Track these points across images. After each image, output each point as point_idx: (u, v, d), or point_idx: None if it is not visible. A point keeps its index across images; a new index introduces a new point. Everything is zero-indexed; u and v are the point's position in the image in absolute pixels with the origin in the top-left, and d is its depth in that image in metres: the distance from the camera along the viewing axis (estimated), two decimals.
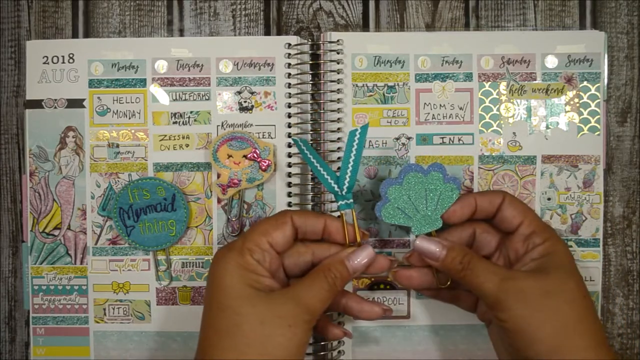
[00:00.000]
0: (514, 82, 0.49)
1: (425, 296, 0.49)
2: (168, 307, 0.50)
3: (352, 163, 0.43)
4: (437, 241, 0.42)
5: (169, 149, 0.49)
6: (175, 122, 0.49)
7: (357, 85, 0.49)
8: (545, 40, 0.49)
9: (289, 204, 0.49)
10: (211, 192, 0.49)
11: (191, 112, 0.49)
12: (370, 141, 0.49)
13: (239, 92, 0.49)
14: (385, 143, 0.49)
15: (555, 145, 0.49)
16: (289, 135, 0.49)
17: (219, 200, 0.49)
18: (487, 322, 0.45)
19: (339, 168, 0.47)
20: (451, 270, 0.41)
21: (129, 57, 0.49)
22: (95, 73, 0.49)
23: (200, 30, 0.51)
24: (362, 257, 0.41)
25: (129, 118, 0.49)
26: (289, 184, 0.49)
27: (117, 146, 0.49)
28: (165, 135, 0.49)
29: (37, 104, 0.49)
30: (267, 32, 0.51)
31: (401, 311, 0.49)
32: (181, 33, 0.51)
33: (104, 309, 0.50)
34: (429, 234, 0.43)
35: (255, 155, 0.48)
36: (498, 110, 0.49)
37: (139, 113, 0.49)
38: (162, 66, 0.49)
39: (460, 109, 0.49)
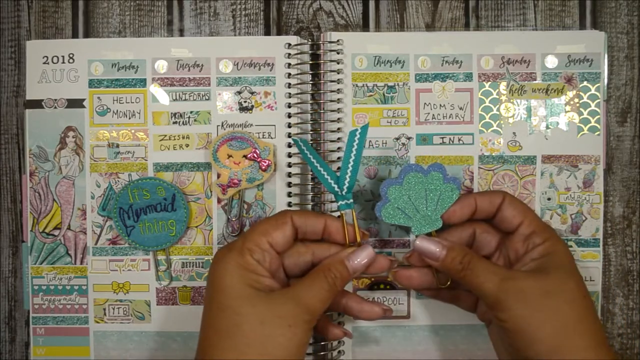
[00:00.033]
0: (514, 82, 0.49)
1: (425, 296, 0.49)
2: (168, 307, 0.50)
3: (352, 163, 0.43)
4: (437, 241, 0.42)
5: (169, 149, 0.49)
6: (175, 122, 0.49)
7: (357, 85, 0.49)
8: (545, 40, 0.49)
9: (289, 204, 0.49)
10: (211, 192, 0.49)
11: (191, 112, 0.49)
12: (370, 141, 0.49)
13: (239, 92, 0.49)
14: (385, 143, 0.49)
15: (555, 145, 0.49)
16: (289, 135, 0.49)
17: (219, 200, 0.49)
18: (487, 322, 0.45)
19: (339, 168, 0.47)
20: (451, 270, 0.41)
21: (129, 57, 0.49)
22: (95, 73, 0.49)
23: (200, 30, 0.51)
24: (362, 257, 0.41)
25: (129, 118, 0.49)
26: (289, 184, 0.49)
27: (117, 146, 0.49)
28: (165, 135, 0.49)
29: (37, 104, 0.49)
30: (267, 32, 0.51)
31: (401, 311, 0.49)
32: (181, 33, 0.51)
33: (104, 309, 0.50)
34: (429, 234, 0.43)
35: (255, 155, 0.48)
36: (498, 110, 0.49)
37: (139, 113, 0.49)
38: (162, 66, 0.49)
39: (460, 109, 0.49)
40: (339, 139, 0.49)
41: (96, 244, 0.49)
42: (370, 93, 0.49)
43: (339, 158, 0.48)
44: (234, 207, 0.49)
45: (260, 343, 0.37)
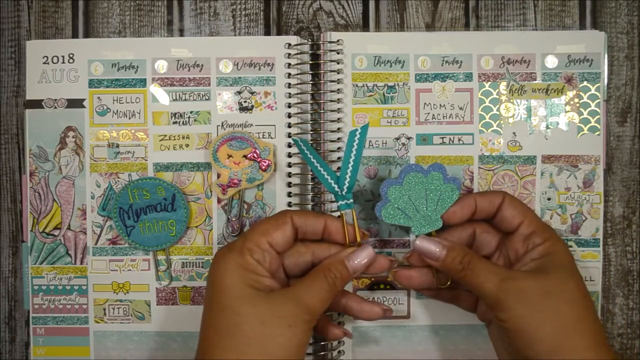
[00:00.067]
0: (514, 82, 0.49)
1: (425, 296, 0.49)
2: (168, 307, 0.50)
3: (352, 163, 0.43)
4: (437, 241, 0.42)
5: (169, 149, 0.49)
6: (175, 122, 0.49)
7: (357, 85, 0.49)
8: (545, 40, 0.49)
9: (289, 204, 0.49)
10: (211, 192, 0.49)
11: (191, 112, 0.49)
12: (370, 141, 0.49)
13: (239, 92, 0.49)
14: (385, 143, 0.49)
15: (555, 145, 0.49)
16: (289, 135, 0.49)
17: (219, 200, 0.49)
18: (487, 322, 0.45)
19: (339, 168, 0.47)
20: (451, 270, 0.41)
21: (129, 57, 0.49)
22: (95, 73, 0.49)
23: (200, 30, 0.51)
24: (362, 257, 0.41)
25: (129, 118, 0.49)
26: (289, 184, 0.49)
27: (117, 146, 0.49)
28: (165, 135, 0.49)
29: (37, 104, 0.49)
30: (267, 32, 0.51)
31: (401, 311, 0.49)
32: (181, 33, 0.51)
33: (104, 309, 0.50)
34: (429, 234, 0.43)
35: (255, 155, 0.48)
36: (498, 110, 0.49)
37: (139, 113, 0.49)
38: (162, 66, 0.49)
39: (460, 109, 0.49)
40: (339, 139, 0.49)
41: (96, 244, 0.49)
42: (370, 93, 0.49)
43: (339, 158, 0.48)
44: (234, 207, 0.49)
45: (261, 343, 0.37)
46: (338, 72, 0.49)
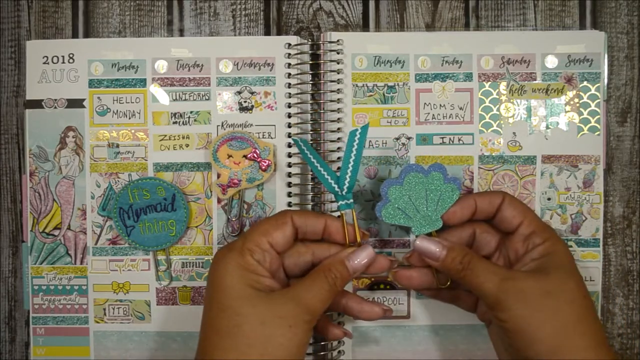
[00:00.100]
0: (514, 82, 0.49)
1: (425, 296, 0.49)
2: (168, 307, 0.50)
3: (352, 163, 0.43)
4: (437, 241, 0.42)
5: (169, 149, 0.49)
6: (175, 122, 0.49)
7: (357, 85, 0.49)
8: (545, 40, 0.49)
9: (289, 204, 0.49)
10: (211, 192, 0.49)
11: (191, 112, 0.49)
12: (370, 141, 0.49)
13: (239, 92, 0.49)
14: (385, 143, 0.49)
15: (555, 145, 0.49)
16: (289, 135, 0.49)
17: (219, 200, 0.49)
18: (487, 322, 0.45)
19: (339, 168, 0.47)
20: (451, 270, 0.41)
21: (129, 57, 0.49)
22: (95, 73, 0.49)
23: (200, 30, 0.51)
24: (362, 257, 0.41)
25: (129, 118, 0.49)
26: (289, 184, 0.49)
27: (117, 146, 0.49)
28: (165, 135, 0.49)
29: (37, 104, 0.49)
30: (267, 32, 0.51)
31: (401, 311, 0.49)
32: (181, 33, 0.51)
33: (104, 309, 0.50)
34: (429, 234, 0.43)
35: (255, 155, 0.48)
36: (498, 110, 0.49)
37: (139, 113, 0.49)
38: (162, 66, 0.49)
39: (460, 109, 0.49)
40: (339, 139, 0.49)
41: (96, 244, 0.49)
42: (370, 93, 0.49)
43: (339, 158, 0.48)
44: (234, 207, 0.49)
45: (261, 343, 0.37)
46: (338, 72, 0.49)
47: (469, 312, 0.46)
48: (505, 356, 0.42)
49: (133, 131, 0.49)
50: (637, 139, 0.51)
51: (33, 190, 0.49)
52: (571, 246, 0.49)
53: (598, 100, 0.49)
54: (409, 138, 0.49)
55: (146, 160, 0.49)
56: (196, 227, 0.49)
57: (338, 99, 0.49)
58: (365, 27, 0.51)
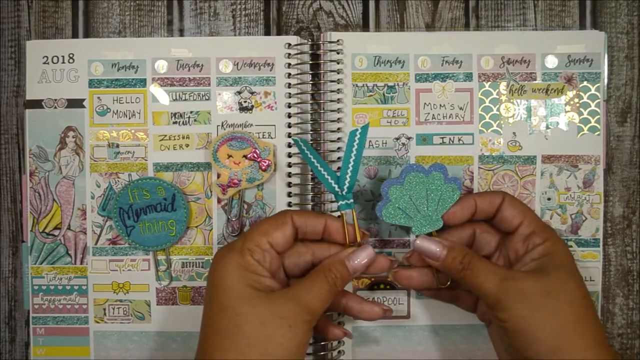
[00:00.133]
0: (514, 82, 0.49)
1: (425, 296, 0.49)
2: (168, 307, 0.50)
3: (352, 163, 0.43)
4: (438, 241, 0.42)
5: (169, 149, 0.49)
6: (175, 122, 0.49)
7: (357, 85, 0.49)
8: (545, 40, 0.49)
9: (289, 204, 0.49)
10: (211, 192, 0.49)
11: (191, 112, 0.49)
12: (370, 141, 0.49)
13: (239, 92, 0.49)
14: (385, 143, 0.49)
15: (555, 145, 0.49)
16: (289, 135, 0.49)
17: (219, 200, 0.49)
18: (487, 322, 0.45)
19: (339, 168, 0.47)
20: (451, 270, 0.41)
21: (129, 57, 0.49)
22: (95, 73, 0.49)
23: (200, 30, 0.51)
24: (362, 257, 0.41)
25: (129, 118, 0.49)
26: (289, 184, 0.49)
27: (117, 146, 0.49)
28: (165, 135, 0.49)
29: (37, 104, 0.49)
30: (267, 32, 0.51)
31: (401, 311, 0.49)
32: (181, 33, 0.51)
33: (104, 309, 0.50)
34: (429, 234, 0.43)
35: (255, 155, 0.48)
36: (498, 110, 0.49)
37: (139, 113, 0.49)
38: (162, 66, 0.49)
39: (460, 109, 0.49)
40: (339, 139, 0.49)
41: (96, 244, 0.49)
42: (370, 93, 0.49)
43: (339, 158, 0.48)
44: (234, 207, 0.49)
45: (261, 343, 0.37)
46: (338, 72, 0.49)
47: (469, 312, 0.46)
48: (505, 356, 0.42)
49: (133, 131, 0.49)
50: (637, 139, 0.51)
51: (33, 190, 0.49)
52: (571, 246, 0.49)
53: (598, 100, 0.49)
54: (409, 138, 0.49)
55: (146, 160, 0.49)
56: (196, 227, 0.49)
57: (338, 99, 0.49)
58: (365, 27, 0.51)
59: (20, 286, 0.51)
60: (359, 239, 0.43)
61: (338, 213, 0.44)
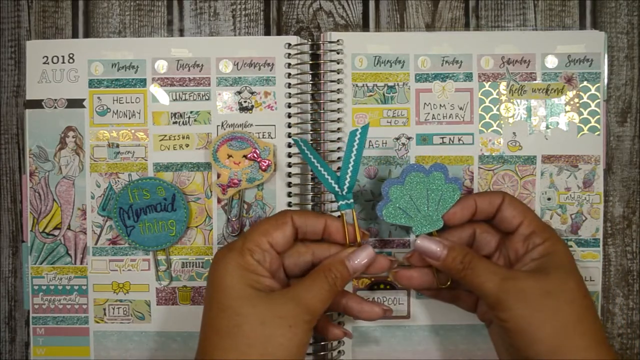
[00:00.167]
0: (514, 82, 0.49)
1: (425, 296, 0.49)
2: (168, 307, 0.50)
3: (352, 163, 0.43)
4: (438, 241, 0.42)
5: (169, 149, 0.49)
6: (175, 122, 0.49)
7: (357, 85, 0.49)
8: (545, 40, 0.49)
9: (289, 204, 0.49)
10: (211, 192, 0.49)
11: (191, 112, 0.49)
12: (370, 141, 0.49)
13: (239, 92, 0.49)
14: (385, 143, 0.49)
15: (555, 145, 0.49)
16: (289, 135, 0.49)
17: (219, 200, 0.49)
18: (488, 322, 0.45)
19: (339, 168, 0.47)
20: (452, 269, 0.41)
21: (129, 57, 0.49)
22: (95, 73, 0.49)
23: (200, 30, 0.51)
24: (362, 257, 0.41)
25: (129, 118, 0.49)
26: (289, 184, 0.49)
27: (117, 146, 0.49)
28: (165, 135, 0.49)
29: (37, 104, 0.49)
30: (267, 32, 0.51)
31: (401, 311, 0.49)
32: (181, 33, 0.51)
33: (104, 309, 0.50)
34: (429, 234, 0.43)
35: (255, 155, 0.48)
36: (498, 110, 0.49)
37: (139, 113, 0.49)
38: (162, 66, 0.49)
39: (460, 109, 0.49)
40: (339, 139, 0.49)
41: (96, 244, 0.49)
42: (370, 93, 0.49)
43: (339, 158, 0.48)
44: (234, 207, 0.49)
45: (261, 343, 0.37)
46: (338, 72, 0.49)
47: (469, 312, 0.46)
48: (505, 356, 0.42)
49: (133, 131, 0.49)
50: (637, 139, 0.51)
51: (33, 190, 0.49)
52: (571, 246, 0.49)
53: (598, 100, 0.49)
54: (409, 138, 0.49)
55: (146, 160, 0.49)
56: (196, 227, 0.49)
57: (338, 99, 0.49)
58: (365, 27, 0.51)
59: (20, 286, 0.51)
60: (359, 239, 0.43)
61: (338, 213, 0.44)
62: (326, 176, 0.43)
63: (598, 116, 0.49)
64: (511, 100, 0.49)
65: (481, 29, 0.51)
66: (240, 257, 0.39)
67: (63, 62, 0.49)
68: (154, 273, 0.49)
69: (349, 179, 0.43)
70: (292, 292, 0.39)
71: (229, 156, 0.48)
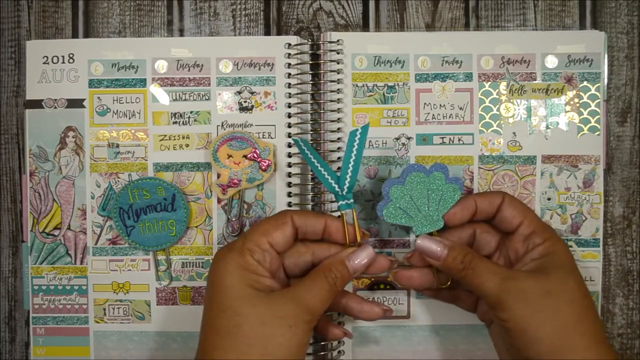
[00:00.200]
0: (514, 82, 0.49)
1: (425, 296, 0.49)
2: (168, 307, 0.50)
3: (352, 163, 0.43)
4: (439, 240, 0.42)
5: (169, 149, 0.49)
6: (175, 122, 0.49)
7: (357, 85, 0.49)
8: (545, 40, 0.49)
9: (289, 204, 0.49)
10: (211, 192, 0.49)
11: (191, 112, 0.49)
12: (370, 141, 0.49)
13: (239, 92, 0.49)
14: (385, 143, 0.49)
15: (555, 145, 0.49)
16: (289, 135, 0.49)
17: (219, 200, 0.49)
18: (488, 322, 0.45)
19: (339, 168, 0.47)
20: (452, 269, 0.41)
21: (129, 57, 0.49)
22: (95, 73, 0.49)
23: (200, 30, 0.51)
24: (362, 257, 0.41)
25: (129, 118, 0.49)
26: (289, 184, 0.49)
27: (117, 146, 0.49)
28: (165, 135, 0.49)
29: (37, 104, 0.49)
30: (267, 32, 0.51)
31: (401, 311, 0.49)
32: (181, 33, 0.51)
33: (104, 309, 0.49)
34: (429, 234, 0.43)
35: (255, 155, 0.48)
36: (498, 110, 0.49)
37: (139, 113, 0.49)
38: (162, 66, 0.49)
39: (460, 109, 0.49)
40: (339, 139, 0.49)
41: (96, 244, 0.49)
42: (370, 93, 0.49)
43: (339, 158, 0.48)
44: (234, 207, 0.49)
45: (261, 343, 0.37)
46: (338, 72, 0.49)
47: (469, 312, 0.46)
48: (506, 356, 0.42)
49: (133, 131, 0.49)
50: (637, 139, 0.51)
51: (33, 190, 0.49)
52: (571, 246, 0.49)
53: (598, 100, 0.49)
54: (409, 138, 0.49)
55: (146, 160, 0.49)
56: (196, 227, 0.49)
57: (338, 99, 0.49)
58: (365, 27, 0.51)
59: (20, 286, 0.51)
60: (359, 239, 0.43)
61: (338, 213, 0.44)
62: (326, 176, 0.43)
63: (598, 116, 0.49)
64: (511, 100, 0.49)
65: (481, 29, 0.51)
66: (240, 257, 0.39)
67: (63, 62, 0.49)
68: (154, 273, 0.49)
69: (349, 179, 0.43)
70: (292, 292, 0.39)
71: (229, 156, 0.48)
